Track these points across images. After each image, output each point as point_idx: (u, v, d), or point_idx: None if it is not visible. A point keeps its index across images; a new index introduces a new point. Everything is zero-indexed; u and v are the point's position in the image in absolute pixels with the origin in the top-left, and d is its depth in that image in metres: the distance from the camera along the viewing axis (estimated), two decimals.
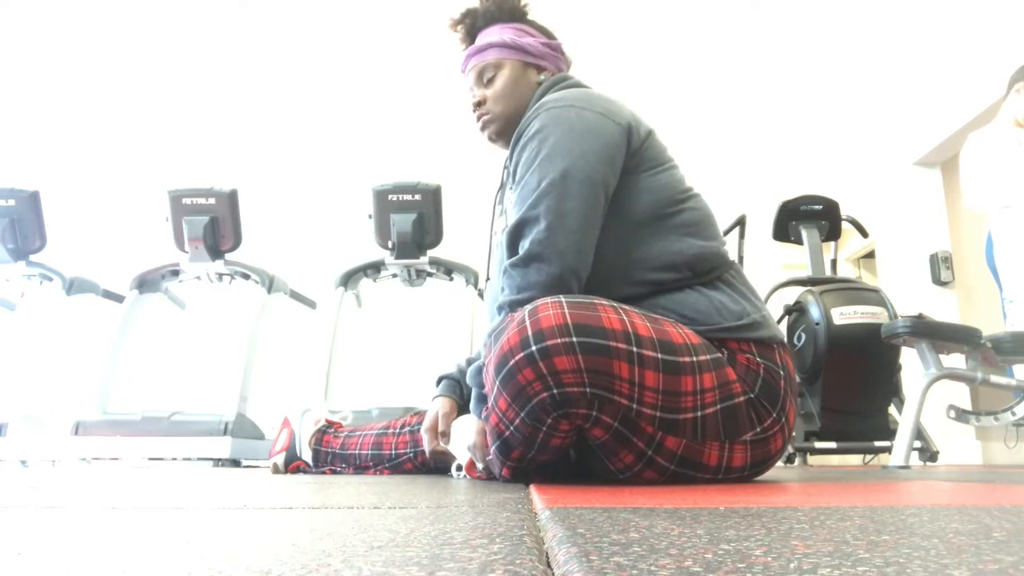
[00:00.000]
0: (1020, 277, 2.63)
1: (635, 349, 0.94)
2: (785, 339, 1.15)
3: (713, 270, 1.14)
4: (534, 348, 0.92)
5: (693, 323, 1.06)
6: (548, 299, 0.97)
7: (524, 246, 1.08)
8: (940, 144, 3.89)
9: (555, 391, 0.92)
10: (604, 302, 0.98)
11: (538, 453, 1.01)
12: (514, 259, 1.09)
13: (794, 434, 1.19)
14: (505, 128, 1.33)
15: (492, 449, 1.07)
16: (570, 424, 0.97)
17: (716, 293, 1.11)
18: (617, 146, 1.13)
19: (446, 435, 1.40)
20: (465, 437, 1.35)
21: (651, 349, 0.96)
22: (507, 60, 1.33)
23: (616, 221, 1.13)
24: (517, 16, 1.37)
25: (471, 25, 1.38)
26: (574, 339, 0.92)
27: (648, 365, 0.95)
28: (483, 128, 1.36)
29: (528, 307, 0.97)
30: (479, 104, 1.35)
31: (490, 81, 1.33)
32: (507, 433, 1.00)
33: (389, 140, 5.39)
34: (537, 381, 0.92)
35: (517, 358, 0.93)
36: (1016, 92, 2.70)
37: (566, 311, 0.93)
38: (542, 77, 1.33)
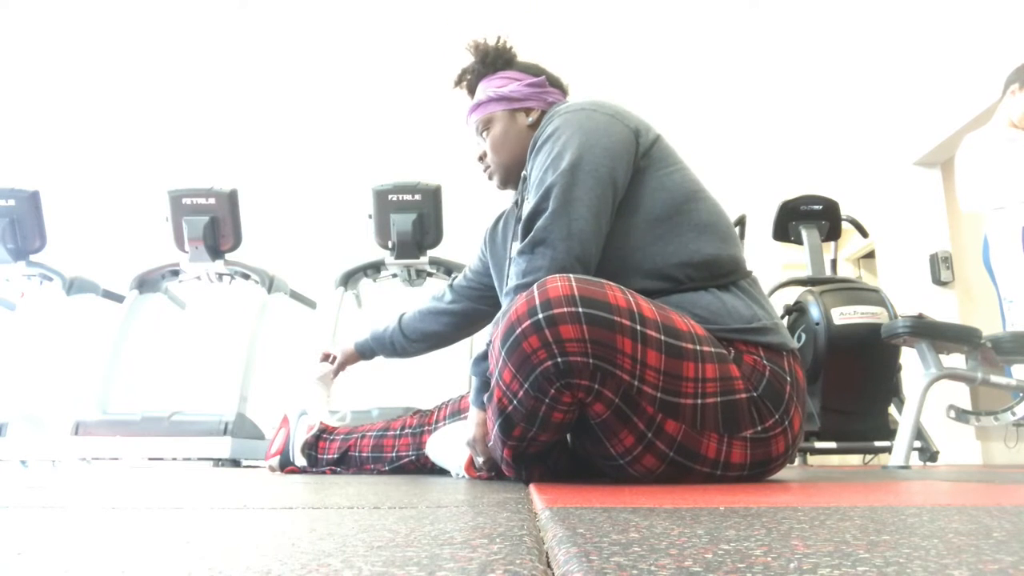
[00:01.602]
0: (1016, 278, 2.64)
1: (639, 327, 0.96)
2: (796, 349, 1.15)
3: (729, 275, 1.16)
4: (541, 316, 0.94)
5: (703, 321, 1.08)
6: (557, 275, 0.99)
7: (530, 234, 1.12)
8: (940, 144, 3.89)
9: (559, 359, 0.94)
10: (612, 283, 1.01)
11: (540, 430, 1.02)
12: (521, 246, 1.13)
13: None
14: (508, 176, 1.42)
15: (494, 429, 1.07)
16: (572, 396, 0.98)
17: (729, 296, 1.13)
18: (625, 145, 1.16)
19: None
20: (460, 438, 1.35)
21: (655, 330, 0.98)
22: (495, 113, 1.39)
23: (634, 217, 1.16)
24: (500, 66, 1.42)
25: (470, 82, 1.46)
26: (580, 309, 0.94)
27: (651, 344, 0.97)
28: (489, 179, 1.45)
29: (537, 282, 0.99)
30: (481, 158, 1.43)
31: (485, 132, 1.41)
32: (510, 408, 1.01)
33: (389, 140, 5.39)
34: (542, 349, 0.94)
35: (524, 326, 0.95)
36: (1011, 94, 2.71)
37: (574, 284, 0.96)
38: (530, 119, 1.38)
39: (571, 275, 0.98)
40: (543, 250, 1.09)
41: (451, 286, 1.64)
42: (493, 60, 1.42)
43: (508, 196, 1.49)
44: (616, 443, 1.03)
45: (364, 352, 1.73)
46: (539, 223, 1.11)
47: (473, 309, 1.60)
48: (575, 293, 0.95)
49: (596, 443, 1.06)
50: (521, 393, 0.98)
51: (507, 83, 1.39)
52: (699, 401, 1.00)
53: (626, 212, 1.16)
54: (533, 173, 1.19)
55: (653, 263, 1.14)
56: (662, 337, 0.98)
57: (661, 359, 0.97)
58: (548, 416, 1.00)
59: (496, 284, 1.52)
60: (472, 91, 1.45)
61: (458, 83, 1.46)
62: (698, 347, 1.00)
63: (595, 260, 1.12)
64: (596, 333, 0.94)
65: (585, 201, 1.10)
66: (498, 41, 1.42)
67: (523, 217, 1.16)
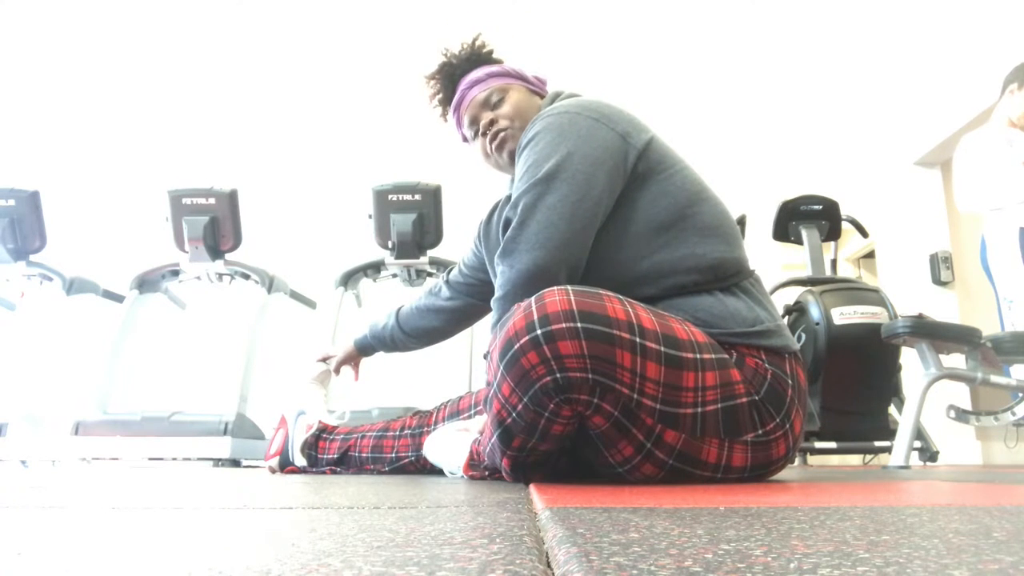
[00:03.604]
0: (1014, 278, 2.64)
1: (638, 340, 0.95)
2: (799, 351, 1.15)
3: (733, 276, 1.15)
4: (539, 332, 0.93)
5: (704, 325, 1.07)
6: (555, 287, 0.98)
7: (502, 244, 1.12)
8: (940, 144, 3.90)
9: (558, 375, 0.93)
10: (611, 294, 0.99)
11: (539, 441, 1.01)
12: (496, 256, 1.13)
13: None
14: None
15: (493, 439, 1.06)
16: (571, 410, 0.97)
17: (732, 299, 1.12)
18: (610, 150, 1.13)
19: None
20: (457, 437, 1.35)
21: (654, 342, 0.96)
22: (512, 85, 1.35)
23: (637, 225, 1.14)
24: (497, 61, 1.40)
25: (450, 74, 1.39)
26: (579, 325, 0.93)
27: (651, 357, 0.96)
28: (500, 145, 1.33)
29: (535, 295, 0.98)
30: (492, 123, 1.33)
31: (498, 103, 1.34)
32: (509, 420, 1.01)
33: (389, 140, 5.39)
34: (541, 365, 0.93)
35: (522, 341, 0.94)
36: (1009, 93, 2.71)
37: (572, 298, 0.95)
38: (540, 105, 1.35)
39: (570, 288, 0.97)
40: (510, 261, 1.09)
41: (447, 282, 1.62)
42: (491, 52, 1.41)
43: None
44: (615, 453, 1.02)
45: (364, 349, 1.72)
46: (508, 233, 1.11)
47: (471, 304, 1.59)
48: (574, 308, 0.93)
49: (595, 452, 1.05)
50: (520, 407, 0.98)
51: (519, 71, 1.38)
52: (699, 410, 0.99)
53: (629, 221, 1.14)
54: (516, 178, 1.18)
55: (660, 271, 1.12)
56: (662, 348, 0.97)
57: (660, 371, 0.96)
58: (548, 429, 0.99)
59: (492, 278, 1.50)
60: (452, 83, 1.38)
61: (438, 72, 1.40)
62: (698, 355, 0.99)
63: (576, 265, 1.10)
64: (595, 348, 0.93)
65: (558, 209, 1.08)
66: (483, 45, 1.41)
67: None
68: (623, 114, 1.20)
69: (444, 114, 1.45)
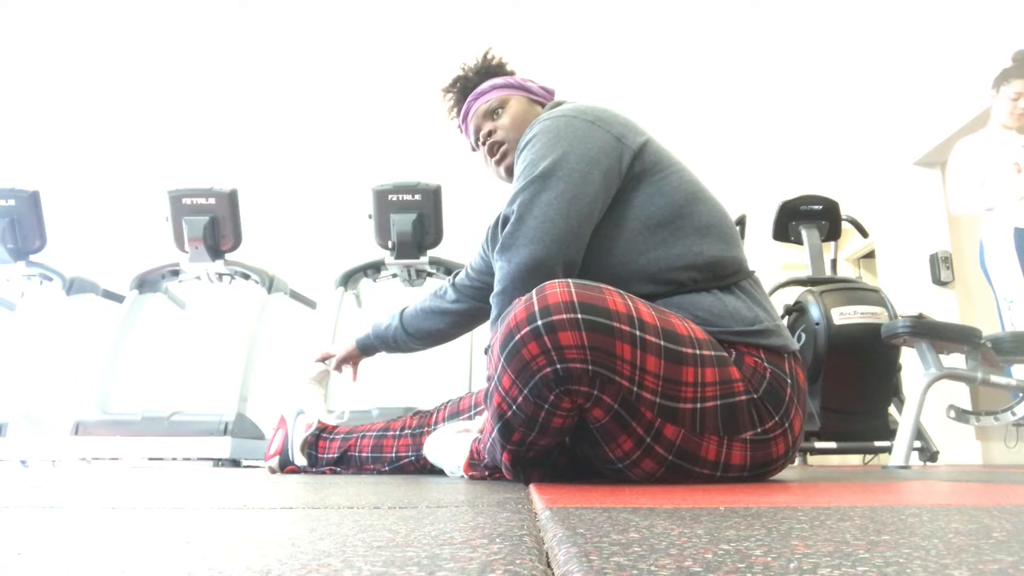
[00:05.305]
0: (1011, 278, 2.65)
1: (638, 333, 0.96)
2: (798, 351, 1.15)
3: (731, 276, 1.16)
4: (540, 323, 0.93)
5: (704, 323, 1.07)
6: (556, 280, 0.99)
7: (500, 240, 1.13)
8: (940, 144, 3.90)
9: (558, 366, 0.93)
10: (611, 288, 1.00)
11: (539, 435, 1.02)
12: (495, 253, 1.15)
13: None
14: None
15: (493, 433, 1.07)
16: (571, 402, 0.98)
17: (731, 298, 1.12)
18: (605, 151, 1.15)
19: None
20: (458, 437, 1.36)
21: (654, 335, 0.97)
22: (513, 96, 1.39)
23: (635, 224, 1.15)
24: (508, 73, 1.45)
25: (463, 88, 1.45)
26: (579, 316, 0.93)
27: (650, 350, 0.96)
28: (500, 159, 1.38)
29: (536, 287, 0.99)
30: (490, 134, 1.38)
31: (498, 116, 1.38)
32: (509, 413, 1.01)
33: (389, 140, 5.39)
34: (541, 356, 0.94)
35: (523, 332, 0.95)
36: (994, 96, 2.74)
37: (573, 290, 0.96)
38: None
39: (571, 281, 0.98)
40: (508, 256, 1.10)
41: (453, 284, 1.63)
42: (500, 64, 1.45)
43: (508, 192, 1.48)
44: (615, 447, 1.02)
45: (366, 348, 1.73)
46: (506, 229, 1.12)
47: (476, 308, 1.60)
48: (574, 299, 0.94)
49: (595, 447, 1.06)
50: (520, 399, 0.98)
51: (523, 81, 1.42)
52: (698, 405, 0.99)
53: (624, 219, 1.15)
54: (514, 179, 1.20)
55: (657, 267, 1.13)
56: (661, 342, 0.97)
57: (660, 364, 0.97)
58: (548, 421, 1.00)
59: None
60: (464, 95, 1.45)
61: (451, 86, 1.47)
62: (698, 351, 1.00)
63: (573, 261, 1.11)
64: (595, 340, 0.93)
65: (555, 205, 1.10)
66: (493, 58, 1.46)
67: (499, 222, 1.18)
68: (618, 117, 1.22)
69: (459, 125, 1.50)
